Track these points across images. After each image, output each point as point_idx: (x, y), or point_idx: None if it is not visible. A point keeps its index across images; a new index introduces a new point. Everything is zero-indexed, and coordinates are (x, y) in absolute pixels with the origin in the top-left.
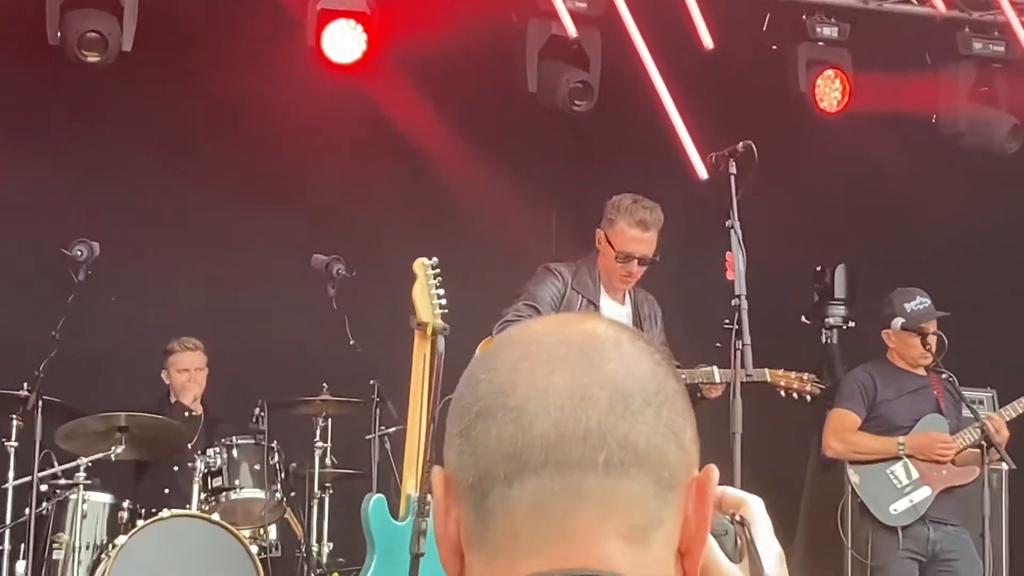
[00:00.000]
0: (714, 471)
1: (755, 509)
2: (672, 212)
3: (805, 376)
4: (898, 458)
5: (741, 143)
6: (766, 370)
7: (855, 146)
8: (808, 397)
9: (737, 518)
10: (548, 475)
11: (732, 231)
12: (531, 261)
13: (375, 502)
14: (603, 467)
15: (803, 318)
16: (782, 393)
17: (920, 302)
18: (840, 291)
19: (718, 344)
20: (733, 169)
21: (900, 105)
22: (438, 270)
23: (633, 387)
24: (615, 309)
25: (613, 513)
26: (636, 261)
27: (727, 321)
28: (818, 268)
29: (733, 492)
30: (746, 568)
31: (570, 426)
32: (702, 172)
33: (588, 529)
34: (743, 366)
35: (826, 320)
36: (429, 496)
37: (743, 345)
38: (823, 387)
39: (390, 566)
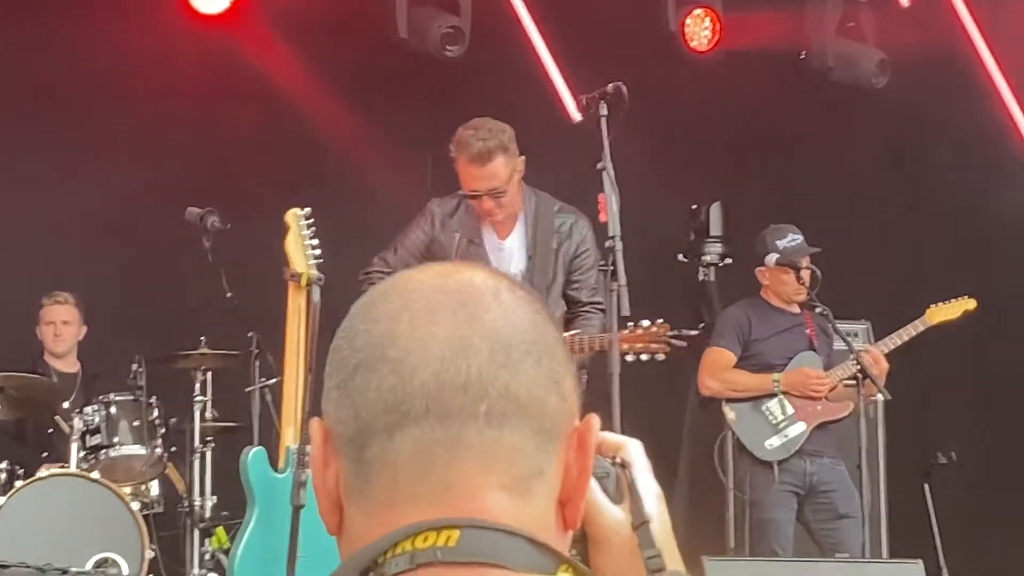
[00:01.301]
0: (595, 420)
1: (634, 451)
2: (547, 156)
3: (655, 327)
4: (773, 395)
5: (611, 84)
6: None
7: (727, 84)
8: (663, 356)
9: (618, 461)
10: (429, 425)
11: (604, 173)
12: (407, 209)
13: (254, 454)
14: (484, 417)
15: (679, 256)
16: (628, 358)
17: (792, 239)
18: (716, 228)
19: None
20: (604, 111)
21: (770, 42)
22: (311, 220)
23: (513, 337)
24: (496, 244)
25: (494, 464)
26: (484, 197)
27: (603, 263)
28: (693, 206)
29: (612, 436)
30: (627, 508)
31: (451, 376)
32: (575, 115)
33: (470, 480)
34: (619, 308)
35: (702, 258)
36: (308, 447)
37: (619, 286)
38: (684, 337)
39: (271, 518)
